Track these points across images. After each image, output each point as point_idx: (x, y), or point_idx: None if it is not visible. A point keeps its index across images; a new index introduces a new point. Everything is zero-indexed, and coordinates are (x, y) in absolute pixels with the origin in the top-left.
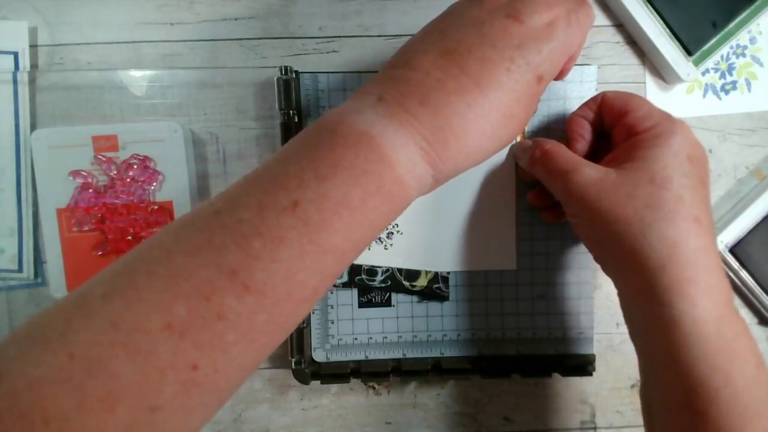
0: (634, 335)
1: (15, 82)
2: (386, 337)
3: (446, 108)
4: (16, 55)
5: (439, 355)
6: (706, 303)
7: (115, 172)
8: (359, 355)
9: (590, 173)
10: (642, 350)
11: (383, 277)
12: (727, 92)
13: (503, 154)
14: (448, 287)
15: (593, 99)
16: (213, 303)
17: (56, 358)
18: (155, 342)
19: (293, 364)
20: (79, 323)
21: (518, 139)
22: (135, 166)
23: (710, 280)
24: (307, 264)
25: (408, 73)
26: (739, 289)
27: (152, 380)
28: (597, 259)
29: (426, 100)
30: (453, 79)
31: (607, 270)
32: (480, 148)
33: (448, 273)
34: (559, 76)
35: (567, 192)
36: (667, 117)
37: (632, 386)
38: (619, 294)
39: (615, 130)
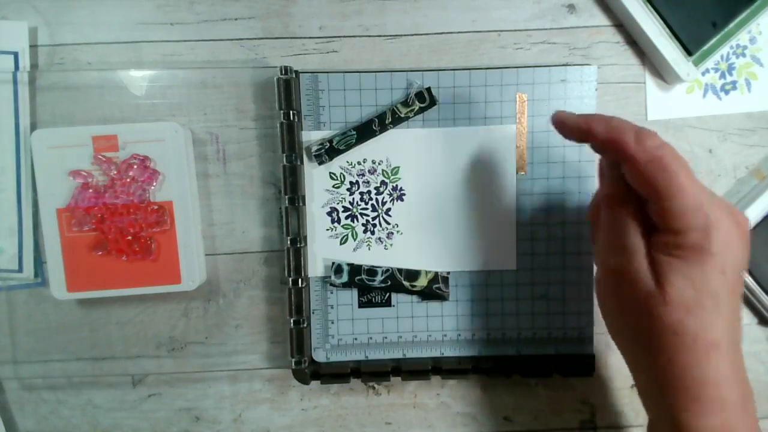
0: (645, 407)
1: (15, 82)
2: (386, 337)
3: None
4: (16, 55)
5: (439, 355)
6: (712, 415)
7: (115, 172)
8: (359, 355)
9: (639, 266)
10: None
11: (383, 277)
12: (727, 92)
13: (503, 153)
14: (448, 287)
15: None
16: None
17: None
18: None
19: (293, 364)
20: None
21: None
22: (135, 166)
23: (720, 393)
24: None
25: None
26: None
27: None
28: (612, 336)
29: None
30: None
31: (620, 349)
32: None
33: (448, 273)
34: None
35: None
36: (703, 219)
37: (632, 386)
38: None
39: (649, 207)
